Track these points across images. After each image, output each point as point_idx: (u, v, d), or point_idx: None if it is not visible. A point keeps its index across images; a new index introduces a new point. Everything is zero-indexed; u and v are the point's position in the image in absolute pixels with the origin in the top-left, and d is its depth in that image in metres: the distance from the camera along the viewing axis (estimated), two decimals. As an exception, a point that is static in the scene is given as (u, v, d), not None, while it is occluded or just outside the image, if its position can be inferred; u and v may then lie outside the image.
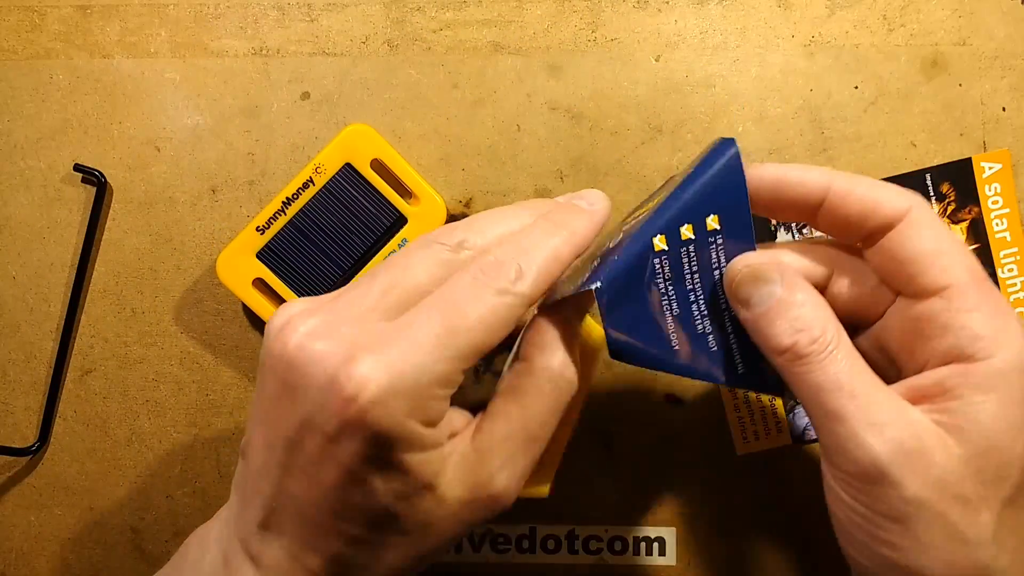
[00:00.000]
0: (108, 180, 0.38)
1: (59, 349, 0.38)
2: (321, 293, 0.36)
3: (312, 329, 0.24)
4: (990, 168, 0.38)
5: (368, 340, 0.23)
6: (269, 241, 0.36)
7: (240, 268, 0.36)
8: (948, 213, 0.38)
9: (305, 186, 0.35)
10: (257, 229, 0.36)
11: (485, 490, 0.25)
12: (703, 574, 0.38)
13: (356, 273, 0.36)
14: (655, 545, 0.38)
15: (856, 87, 0.38)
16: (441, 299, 0.24)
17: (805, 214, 0.27)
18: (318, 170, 0.35)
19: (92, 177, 0.38)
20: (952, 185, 0.38)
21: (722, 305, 0.27)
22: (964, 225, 0.38)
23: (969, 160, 0.38)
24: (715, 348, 0.27)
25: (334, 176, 0.35)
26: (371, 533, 0.25)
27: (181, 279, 0.39)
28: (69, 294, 0.38)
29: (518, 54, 0.38)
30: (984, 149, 0.38)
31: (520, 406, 0.26)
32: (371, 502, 0.24)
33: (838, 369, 0.24)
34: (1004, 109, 0.38)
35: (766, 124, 0.38)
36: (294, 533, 0.25)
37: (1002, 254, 0.38)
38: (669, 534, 0.38)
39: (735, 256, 0.27)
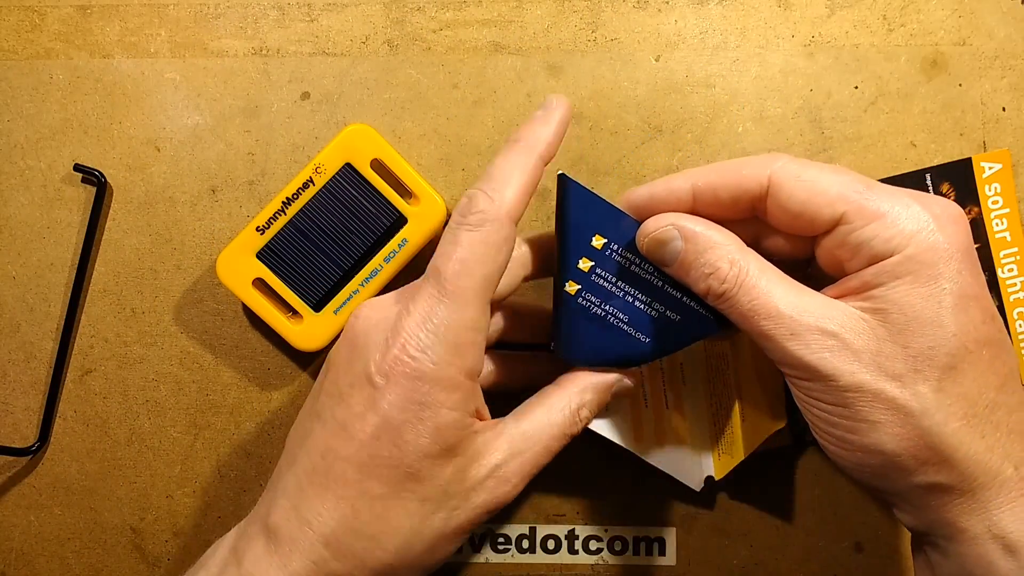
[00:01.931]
0: (108, 180, 0.38)
1: (59, 349, 0.38)
2: (321, 293, 0.36)
3: (370, 304, 0.29)
4: (990, 168, 0.38)
5: (412, 308, 0.27)
6: (269, 241, 0.36)
7: (240, 268, 0.36)
8: (948, 213, 0.38)
9: (305, 186, 0.35)
10: (257, 229, 0.36)
11: (497, 471, 0.28)
12: (703, 574, 0.38)
13: (356, 273, 0.36)
14: (655, 545, 0.38)
15: (856, 87, 0.38)
16: (444, 260, 0.28)
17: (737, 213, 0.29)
18: (318, 170, 0.35)
19: (92, 177, 0.38)
20: (952, 185, 0.38)
21: (658, 283, 0.30)
22: (964, 225, 0.38)
23: (969, 160, 0.38)
24: (677, 318, 0.30)
25: (334, 176, 0.35)
26: (390, 491, 0.27)
27: (181, 279, 0.39)
28: (69, 294, 0.38)
29: (518, 54, 0.38)
30: (984, 149, 0.38)
31: (547, 410, 0.30)
32: (399, 456, 0.27)
33: (751, 297, 0.26)
34: (1004, 109, 0.38)
35: (766, 124, 0.38)
36: (315, 494, 0.27)
37: (1002, 254, 0.38)
38: (669, 534, 0.38)
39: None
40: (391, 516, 0.27)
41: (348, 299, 0.36)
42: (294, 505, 0.27)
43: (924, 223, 0.25)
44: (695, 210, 0.29)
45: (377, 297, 0.30)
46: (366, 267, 0.36)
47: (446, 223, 0.37)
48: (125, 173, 0.39)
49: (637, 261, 0.30)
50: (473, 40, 0.38)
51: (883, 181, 0.38)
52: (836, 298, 0.26)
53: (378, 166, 0.36)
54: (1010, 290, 0.38)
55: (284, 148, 0.38)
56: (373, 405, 0.27)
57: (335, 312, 0.36)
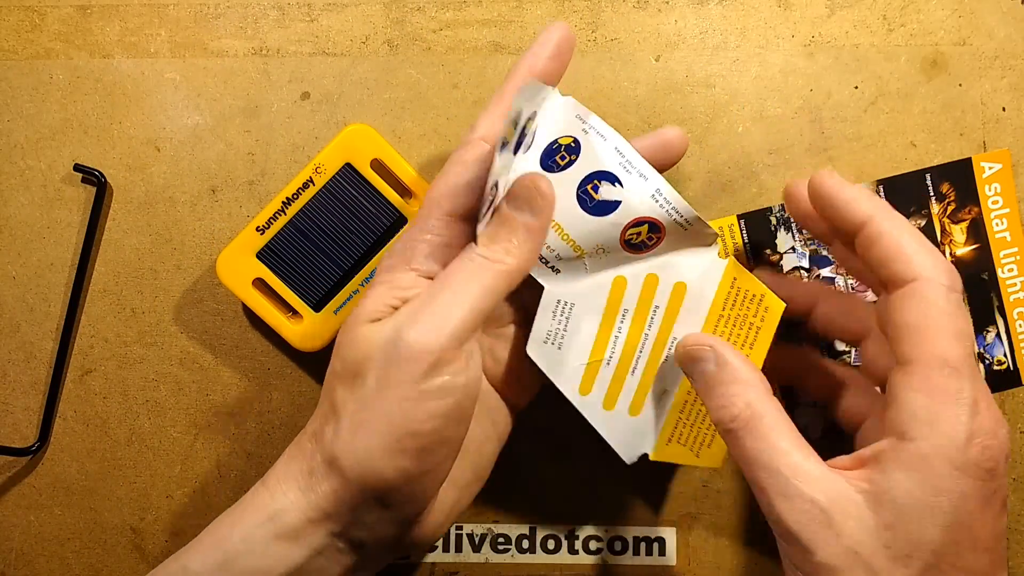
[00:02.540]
0: (108, 180, 0.38)
1: (59, 349, 0.38)
2: (321, 293, 0.36)
3: None
4: (990, 168, 0.38)
5: None
6: (269, 241, 0.36)
7: (240, 268, 0.36)
8: (948, 213, 0.38)
9: (305, 186, 0.35)
10: (257, 229, 0.36)
11: (401, 333, 0.27)
12: (703, 574, 0.38)
13: (356, 273, 0.36)
14: (655, 545, 0.38)
15: (856, 87, 0.38)
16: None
17: (836, 236, 0.30)
18: (318, 170, 0.35)
19: (92, 177, 0.38)
20: (952, 185, 0.38)
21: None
22: (964, 225, 0.38)
23: (969, 160, 0.38)
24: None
25: (334, 176, 0.35)
26: (330, 369, 0.29)
27: (181, 279, 0.39)
28: (69, 294, 0.38)
29: (518, 54, 0.38)
30: (984, 149, 0.38)
31: (447, 269, 0.29)
32: (339, 343, 0.29)
33: (756, 445, 0.26)
34: (1004, 109, 0.38)
35: (766, 124, 0.38)
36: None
37: (1002, 254, 0.38)
38: (669, 534, 0.38)
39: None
40: (330, 396, 0.29)
41: (348, 299, 0.36)
42: (311, 423, 0.30)
43: (957, 436, 0.24)
44: (853, 243, 0.28)
45: None
46: (366, 267, 0.36)
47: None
48: (125, 173, 0.39)
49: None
50: (473, 40, 0.38)
51: (883, 181, 0.38)
52: (844, 469, 0.26)
53: (378, 166, 0.36)
54: (1010, 290, 0.38)
55: (284, 148, 0.38)
56: None
57: (335, 312, 0.36)
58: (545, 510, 0.39)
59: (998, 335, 0.38)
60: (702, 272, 0.31)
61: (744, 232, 0.38)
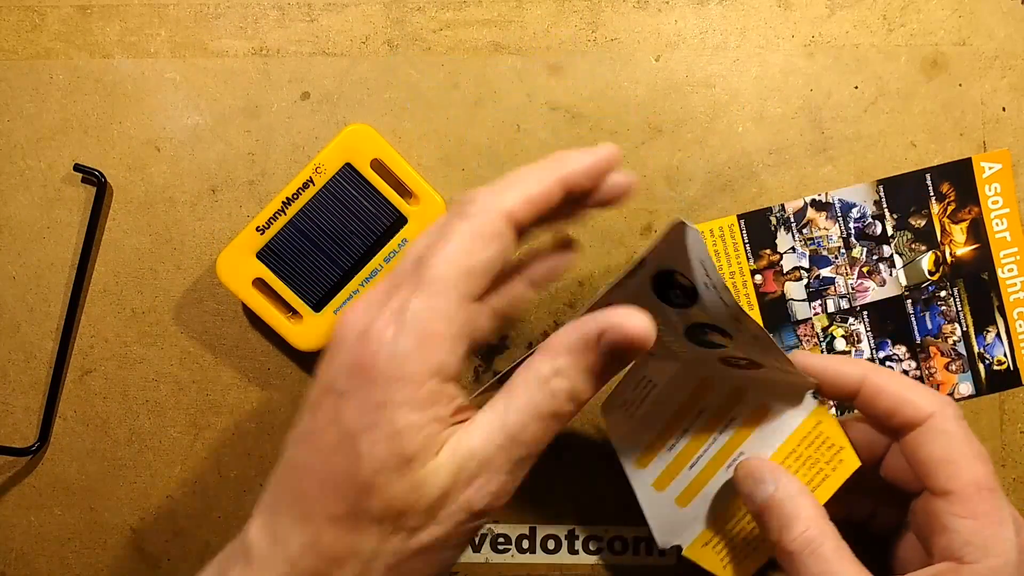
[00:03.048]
0: (108, 180, 0.38)
1: (59, 349, 0.38)
2: (321, 293, 0.36)
3: (353, 305, 0.26)
4: (990, 168, 0.38)
5: (389, 303, 0.25)
6: (269, 241, 0.36)
7: (240, 268, 0.36)
8: (948, 213, 0.38)
9: (305, 186, 0.35)
10: (257, 229, 0.36)
11: (461, 475, 0.24)
12: (703, 574, 0.38)
13: (356, 273, 0.36)
14: (655, 545, 0.38)
15: (856, 87, 0.38)
16: (429, 249, 0.25)
17: (845, 399, 0.31)
18: (318, 170, 0.35)
19: (92, 177, 0.38)
20: (952, 185, 0.38)
21: None
22: (964, 225, 0.38)
23: (969, 160, 0.38)
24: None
25: (334, 176, 0.35)
26: (348, 510, 0.24)
27: (181, 279, 0.39)
28: (69, 294, 0.38)
29: (518, 54, 0.38)
30: (984, 149, 0.38)
31: (520, 388, 0.25)
32: (355, 470, 0.24)
33: (820, 568, 0.27)
34: (1004, 109, 0.38)
35: (766, 124, 0.38)
36: (284, 511, 0.25)
37: (1002, 254, 0.38)
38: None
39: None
40: (350, 538, 0.24)
41: (348, 299, 0.36)
42: (266, 521, 0.26)
43: (1010, 554, 0.26)
44: (858, 403, 0.30)
45: (367, 293, 0.27)
46: (366, 267, 0.36)
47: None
48: (125, 173, 0.39)
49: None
50: (473, 40, 0.38)
51: (883, 181, 0.38)
52: None
53: (378, 166, 0.36)
54: (1010, 290, 0.38)
55: (284, 148, 0.38)
56: (336, 414, 0.24)
57: (335, 312, 0.36)
58: (545, 510, 0.39)
59: (998, 335, 0.38)
60: (789, 403, 0.31)
61: (744, 232, 0.38)
